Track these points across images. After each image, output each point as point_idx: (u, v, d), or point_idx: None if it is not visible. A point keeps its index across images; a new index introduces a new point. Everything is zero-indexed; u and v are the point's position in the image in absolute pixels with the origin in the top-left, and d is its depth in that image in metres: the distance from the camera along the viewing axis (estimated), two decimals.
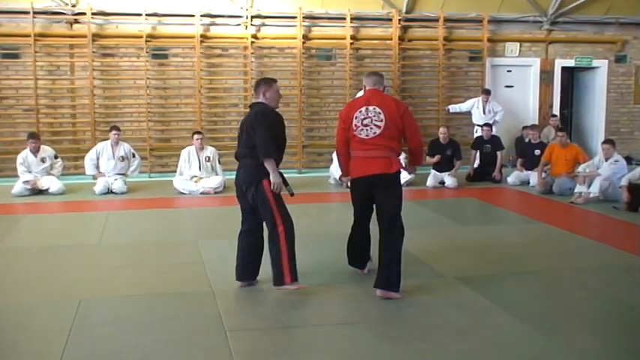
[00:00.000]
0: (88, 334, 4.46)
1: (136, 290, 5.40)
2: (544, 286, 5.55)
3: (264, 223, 5.34)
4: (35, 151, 10.17)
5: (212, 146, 10.75)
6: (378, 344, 4.35)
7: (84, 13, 11.57)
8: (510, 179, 11.02)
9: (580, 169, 9.74)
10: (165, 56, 12.15)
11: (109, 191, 10.12)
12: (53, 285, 5.58)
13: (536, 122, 13.06)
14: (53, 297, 5.26)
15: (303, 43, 12.39)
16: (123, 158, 10.41)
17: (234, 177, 9.88)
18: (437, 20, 12.82)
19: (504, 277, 5.74)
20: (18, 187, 9.97)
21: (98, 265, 6.15)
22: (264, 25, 12.35)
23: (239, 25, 12.23)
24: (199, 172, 10.33)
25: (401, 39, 12.79)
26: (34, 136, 10.32)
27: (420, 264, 6.14)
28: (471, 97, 12.70)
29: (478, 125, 12.29)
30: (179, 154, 10.58)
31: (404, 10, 12.72)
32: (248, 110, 5.45)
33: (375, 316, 4.85)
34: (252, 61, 12.24)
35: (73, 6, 11.62)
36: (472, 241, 7.08)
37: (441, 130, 11.06)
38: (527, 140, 11.97)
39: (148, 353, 4.15)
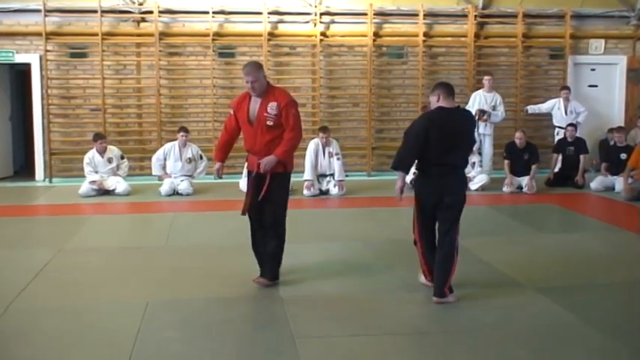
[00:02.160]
0: (156, 336, 4.61)
1: (203, 293, 5.54)
2: (629, 300, 5.44)
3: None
4: (102, 152, 10.52)
5: None
6: (452, 354, 4.36)
7: (151, 12, 11.89)
8: (594, 185, 10.77)
9: None
10: (232, 55, 12.36)
11: (175, 192, 10.37)
12: (121, 287, 5.78)
13: (622, 124, 12.70)
14: (121, 299, 5.46)
15: (374, 40, 12.41)
16: (190, 160, 10.66)
17: (301, 178, 10.00)
18: (515, 16, 12.64)
19: (586, 289, 5.66)
20: (85, 187, 10.33)
21: (165, 267, 6.34)
22: (333, 22, 12.44)
23: (307, 22, 12.34)
24: None
25: (477, 36, 12.67)
26: (102, 137, 10.68)
27: (496, 272, 6.12)
28: (552, 98, 12.46)
29: (559, 127, 12.05)
30: (245, 156, 10.71)
31: (480, 5, 12.60)
32: (433, 113, 5.38)
33: (449, 326, 4.86)
34: (320, 60, 12.34)
35: (140, 4, 11.97)
36: (552, 250, 6.98)
37: (517, 134, 10.89)
38: (612, 143, 11.68)
39: (215, 358, 4.27)
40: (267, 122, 5.47)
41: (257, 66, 5.60)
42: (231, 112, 5.81)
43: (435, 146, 5.19)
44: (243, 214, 5.68)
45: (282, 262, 5.76)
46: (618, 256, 6.78)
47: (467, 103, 11.44)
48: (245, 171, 10.22)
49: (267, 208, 5.61)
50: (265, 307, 5.23)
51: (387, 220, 8.61)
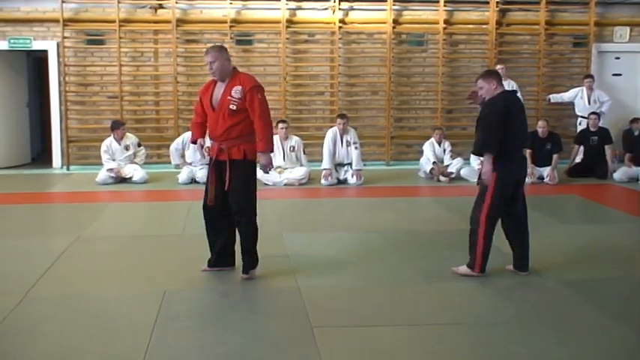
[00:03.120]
0: (173, 326, 4.62)
1: (221, 282, 5.55)
2: None
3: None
4: (120, 138, 10.55)
5: (297, 136, 10.87)
6: (471, 347, 4.34)
7: None
8: (617, 175, 10.66)
9: None
10: (250, 42, 12.34)
11: (193, 180, 10.38)
12: (138, 275, 5.80)
13: None
14: (138, 287, 5.48)
15: (394, 28, 12.34)
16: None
17: (319, 167, 10.01)
18: (538, 3, 12.49)
19: (610, 281, 5.60)
20: (102, 174, 10.38)
21: (182, 256, 6.35)
22: (352, 9, 12.36)
23: (326, 9, 12.28)
24: (283, 163, 10.47)
25: (498, 23, 12.54)
26: (122, 123, 10.75)
27: None
28: (575, 87, 12.33)
29: (582, 117, 11.93)
30: None
31: None
32: (507, 96, 5.64)
33: (467, 317, 4.82)
34: (339, 47, 12.28)
35: None
36: (575, 241, 6.92)
37: (540, 123, 10.79)
38: (636, 133, 11.56)
39: (232, 348, 4.27)
40: (231, 106, 5.38)
41: (218, 47, 5.57)
42: (198, 98, 5.79)
43: (517, 127, 5.47)
44: (210, 204, 5.59)
45: (256, 256, 5.65)
46: None
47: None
48: None
49: (230, 196, 5.53)
50: (283, 297, 5.22)
51: (405, 210, 8.59)
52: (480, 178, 5.66)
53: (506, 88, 11.04)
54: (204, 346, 4.30)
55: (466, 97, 5.85)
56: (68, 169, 11.91)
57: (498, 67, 11.33)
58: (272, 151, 5.62)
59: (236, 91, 5.39)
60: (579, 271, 5.90)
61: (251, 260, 5.62)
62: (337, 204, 9.15)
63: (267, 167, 5.65)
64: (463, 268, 5.63)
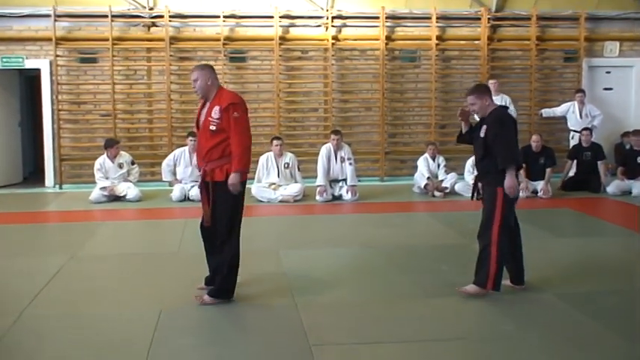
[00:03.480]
0: (170, 344, 4.58)
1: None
2: None
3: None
4: (113, 157, 10.52)
5: (291, 152, 10.86)
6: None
7: (161, 16, 11.91)
8: (610, 189, 10.69)
9: None
10: (244, 59, 12.36)
11: (186, 198, 10.35)
12: (133, 294, 5.75)
13: (639, 127, 12.61)
14: (134, 307, 5.43)
15: (386, 44, 12.39)
16: None
17: (314, 184, 10.04)
18: (529, 19, 12.59)
19: (608, 295, 5.58)
20: (95, 193, 10.33)
21: (178, 275, 6.30)
22: (345, 25, 12.42)
23: (319, 26, 12.34)
24: (278, 180, 10.46)
25: (490, 39, 12.62)
26: (116, 142, 10.76)
27: None
28: (566, 101, 12.39)
29: (574, 131, 11.98)
30: (257, 161, 10.73)
31: (493, 8, 12.57)
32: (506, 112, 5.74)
33: (466, 333, 4.80)
34: (332, 64, 12.31)
35: (151, 9, 11.98)
36: (570, 255, 6.92)
37: (534, 137, 10.84)
38: (628, 147, 11.60)
39: None
40: (210, 127, 5.23)
41: (201, 66, 5.48)
42: None
43: (516, 141, 5.56)
44: (206, 224, 5.43)
45: (229, 285, 5.38)
46: (638, 262, 6.71)
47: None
48: (256, 176, 10.36)
49: (214, 219, 5.38)
50: (280, 314, 5.18)
51: (401, 225, 8.58)
52: (477, 193, 5.65)
53: (499, 102, 11.23)
54: None
55: (459, 115, 5.85)
56: (61, 187, 11.85)
57: (491, 82, 11.36)
58: (243, 171, 5.23)
59: (215, 110, 5.23)
60: (576, 284, 5.89)
61: (219, 288, 5.39)
62: (333, 220, 9.14)
63: (234, 188, 5.21)
64: (472, 288, 5.50)
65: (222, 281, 5.38)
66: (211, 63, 11.91)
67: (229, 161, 5.23)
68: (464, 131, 5.85)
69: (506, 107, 6.04)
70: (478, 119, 5.72)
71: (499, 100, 11.34)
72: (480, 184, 5.66)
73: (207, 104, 5.36)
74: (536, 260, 6.37)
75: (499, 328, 4.88)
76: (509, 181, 5.34)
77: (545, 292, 5.62)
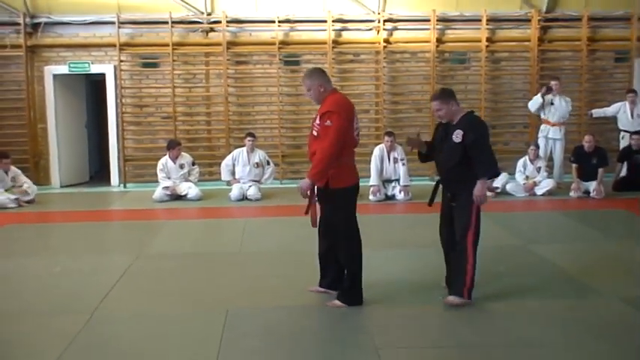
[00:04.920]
0: (238, 346, 4.49)
1: (282, 301, 5.39)
2: None
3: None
4: (175, 158, 10.53)
5: None
6: None
7: (219, 22, 11.88)
8: None
9: None
10: (298, 63, 12.27)
11: (244, 197, 10.31)
12: (200, 294, 5.69)
13: None
14: (201, 306, 5.35)
15: (437, 46, 12.17)
16: (258, 165, 10.60)
17: (367, 184, 9.80)
18: (580, 19, 12.21)
19: None
20: (158, 192, 10.37)
21: (242, 274, 6.23)
22: (396, 29, 12.23)
23: (371, 29, 12.18)
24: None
25: (540, 40, 12.29)
26: (178, 143, 10.78)
27: (574, 282, 5.82)
28: (617, 101, 11.99)
29: (625, 131, 11.58)
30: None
31: (544, 9, 12.23)
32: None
33: (529, 339, 4.58)
34: (384, 67, 12.15)
35: (209, 15, 11.97)
36: (630, 258, 6.64)
37: (586, 138, 10.51)
38: None
39: None
40: (314, 131, 5.12)
41: (309, 74, 5.28)
42: None
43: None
44: (313, 226, 5.30)
45: (356, 286, 5.23)
46: None
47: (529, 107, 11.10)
48: None
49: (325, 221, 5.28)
50: (346, 316, 5.04)
51: None
52: (451, 200, 5.32)
53: (557, 103, 10.87)
54: None
55: (407, 144, 5.51)
56: (125, 186, 11.94)
57: (552, 82, 11.04)
58: (315, 180, 5.03)
59: (318, 117, 5.12)
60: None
61: (344, 291, 5.24)
62: (387, 220, 8.97)
63: (301, 192, 5.11)
64: (454, 299, 5.18)
65: (348, 288, 5.24)
66: (266, 66, 12.12)
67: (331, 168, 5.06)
68: (423, 152, 5.55)
69: (473, 112, 5.42)
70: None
71: (557, 100, 11.03)
72: (443, 189, 5.40)
73: (319, 108, 5.23)
74: (597, 263, 6.15)
75: (565, 332, 4.66)
76: (480, 189, 5.08)
77: (608, 296, 5.39)
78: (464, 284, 5.15)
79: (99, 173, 13.40)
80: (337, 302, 5.21)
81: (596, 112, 11.98)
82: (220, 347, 4.44)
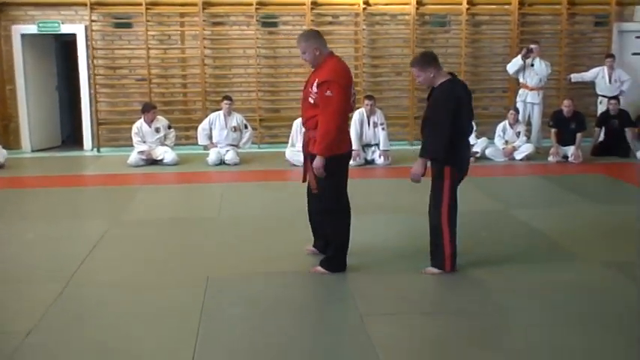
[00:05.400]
0: (221, 314, 4.40)
1: (264, 268, 5.30)
2: None
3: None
4: (150, 121, 10.30)
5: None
6: (520, 333, 4.10)
7: None
8: None
9: None
10: (275, 24, 12.01)
11: (222, 162, 10.14)
12: (179, 261, 5.56)
13: None
14: (180, 274, 5.23)
15: (417, 9, 11.97)
16: (235, 129, 10.41)
17: None
18: None
19: None
20: (133, 157, 10.14)
21: (221, 240, 6.11)
22: None
23: None
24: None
25: (521, 3, 12.13)
26: (153, 106, 10.49)
27: (557, 247, 5.80)
28: (596, 66, 11.94)
29: (603, 96, 11.56)
30: (289, 125, 10.47)
31: None
32: (455, 87, 5.09)
33: (514, 304, 4.55)
34: (363, 29, 11.94)
35: None
36: (610, 222, 6.64)
37: (565, 102, 10.46)
38: None
39: (284, 336, 4.05)
40: (309, 98, 4.93)
41: (306, 36, 5.08)
42: None
43: (465, 117, 5.06)
44: (314, 191, 5.16)
45: (340, 254, 5.13)
46: None
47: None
48: (290, 140, 10.11)
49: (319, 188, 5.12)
50: (329, 283, 4.96)
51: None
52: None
53: (537, 65, 10.74)
54: (255, 334, 4.09)
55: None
56: (99, 151, 11.68)
57: (532, 46, 10.90)
58: (326, 155, 4.83)
59: (314, 84, 4.89)
60: (622, 252, 5.61)
61: (328, 258, 5.16)
62: (367, 185, 8.85)
63: (318, 173, 4.90)
64: (434, 270, 5.11)
65: (332, 257, 5.14)
66: (243, 28, 11.85)
67: None
68: None
69: (453, 79, 5.11)
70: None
71: (537, 64, 10.93)
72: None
73: (314, 72, 5.03)
74: (578, 227, 6.12)
75: (550, 297, 4.64)
76: (415, 167, 5.04)
77: (590, 261, 5.39)
78: (443, 257, 5.06)
79: (71, 137, 13.06)
80: (320, 268, 5.13)
81: (575, 77, 11.92)
82: (201, 314, 4.35)
